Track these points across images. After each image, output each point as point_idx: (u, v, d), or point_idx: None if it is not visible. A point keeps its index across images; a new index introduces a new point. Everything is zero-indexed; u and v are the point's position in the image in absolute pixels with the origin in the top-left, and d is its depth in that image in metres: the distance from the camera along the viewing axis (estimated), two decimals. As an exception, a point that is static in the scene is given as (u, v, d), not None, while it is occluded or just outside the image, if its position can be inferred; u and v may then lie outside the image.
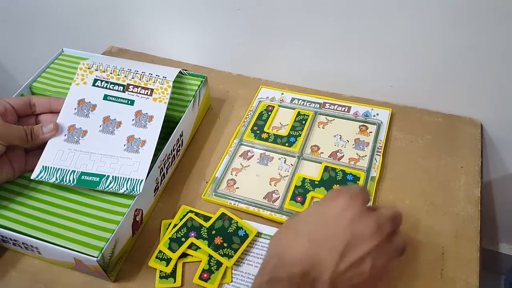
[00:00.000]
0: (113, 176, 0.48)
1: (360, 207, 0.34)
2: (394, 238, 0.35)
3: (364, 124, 0.61)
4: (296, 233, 0.34)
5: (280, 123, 0.62)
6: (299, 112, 0.63)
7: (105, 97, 0.53)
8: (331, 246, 0.31)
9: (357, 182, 0.53)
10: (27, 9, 0.83)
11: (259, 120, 0.62)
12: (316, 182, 0.54)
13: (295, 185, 0.54)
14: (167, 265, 0.47)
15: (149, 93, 0.54)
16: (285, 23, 0.62)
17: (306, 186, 0.53)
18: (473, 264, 0.46)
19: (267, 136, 0.60)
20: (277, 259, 0.33)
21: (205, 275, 0.46)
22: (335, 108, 0.63)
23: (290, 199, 0.52)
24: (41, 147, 0.49)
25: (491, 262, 0.88)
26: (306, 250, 0.32)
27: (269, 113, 0.63)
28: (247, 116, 0.64)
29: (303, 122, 0.61)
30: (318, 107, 0.64)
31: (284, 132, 0.61)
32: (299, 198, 0.52)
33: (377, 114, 0.62)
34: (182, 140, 0.57)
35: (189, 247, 0.48)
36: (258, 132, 0.61)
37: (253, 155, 0.59)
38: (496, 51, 0.53)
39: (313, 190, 0.53)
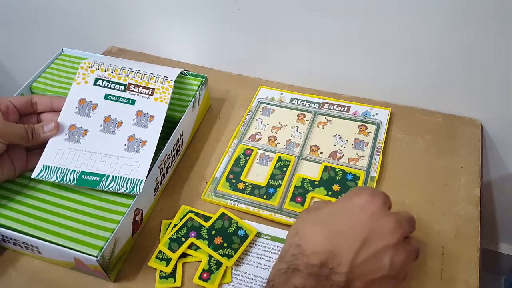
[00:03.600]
0: (113, 176, 0.48)
1: (381, 205, 0.34)
2: (411, 240, 0.35)
3: (364, 124, 0.61)
4: (316, 223, 0.34)
5: (280, 123, 0.62)
6: (279, 157, 0.57)
7: (106, 97, 0.53)
8: (350, 237, 0.31)
9: (357, 181, 0.53)
10: (27, 9, 0.83)
11: (235, 167, 0.56)
12: (316, 182, 0.54)
13: (295, 185, 0.54)
14: (167, 265, 0.47)
15: (150, 93, 0.54)
16: (285, 23, 0.62)
17: (305, 186, 0.53)
18: (473, 264, 0.46)
19: (243, 186, 0.54)
20: (296, 248, 0.33)
21: (205, 275, 0.46)
22: (334, 108, 0.63)
23: (290, 200, 0.52)
24: (42, 146, 0.49)
25: (491, 262, 0.88)
26: (325, 241, 0.31)
27: (247, 158, 0.57)
28: (247, 116, 0.64)
29: (284, 169, 0.55)
30: (317, 107, 0.64)
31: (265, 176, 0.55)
32: (298, 199, 0.52)
33: (376, 114, 0.62)
34: (182, 140, 0.57)
35: (189, 247, 0.48)
36: (234, 181, 0.55)
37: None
38: (496, 51, 0.53)
39: (313, 190, 0.53)
